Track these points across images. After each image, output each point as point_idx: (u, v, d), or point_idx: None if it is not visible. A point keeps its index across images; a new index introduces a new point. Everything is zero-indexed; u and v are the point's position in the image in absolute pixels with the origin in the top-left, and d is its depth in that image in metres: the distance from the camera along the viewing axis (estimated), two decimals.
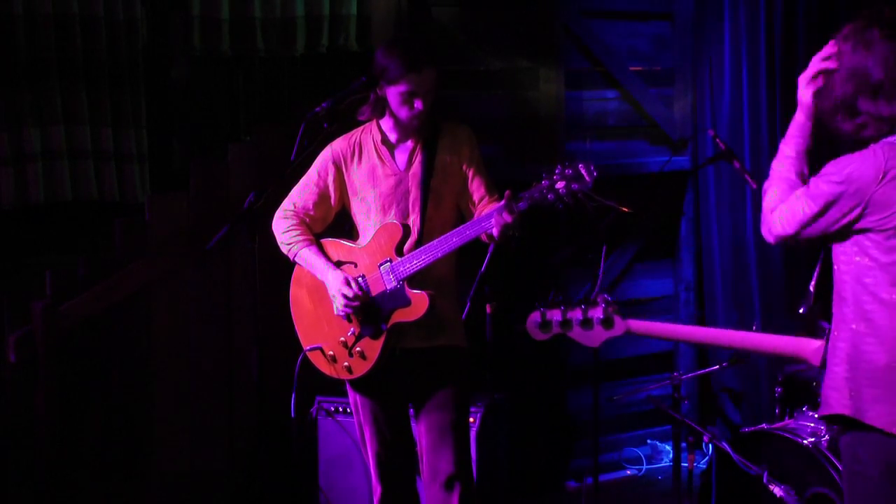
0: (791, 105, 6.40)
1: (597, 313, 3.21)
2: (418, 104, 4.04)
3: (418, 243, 4.07)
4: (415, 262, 4.02)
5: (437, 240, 4.01)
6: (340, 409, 5.10)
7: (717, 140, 5.43)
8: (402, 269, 4.03)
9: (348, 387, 4.26)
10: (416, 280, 4.04)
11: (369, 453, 4.24)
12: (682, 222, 6.54)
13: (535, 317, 3.28)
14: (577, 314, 3.22)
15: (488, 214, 3.92)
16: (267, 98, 5.85)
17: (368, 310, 4.08)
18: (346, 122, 4.27)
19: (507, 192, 3.90)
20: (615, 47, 6.29)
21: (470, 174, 4.17)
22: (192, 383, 5.32)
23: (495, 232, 3.90)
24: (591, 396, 4.93)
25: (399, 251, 4.05)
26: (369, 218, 4.16)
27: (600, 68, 6.25)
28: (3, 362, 4.97)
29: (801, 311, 4.07)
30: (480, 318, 4.85)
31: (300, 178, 4.26)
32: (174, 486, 5.28)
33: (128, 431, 5.22)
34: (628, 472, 6.25)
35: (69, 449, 5.06)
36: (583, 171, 3.83)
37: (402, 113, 4.07)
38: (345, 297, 4.05)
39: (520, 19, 6.01)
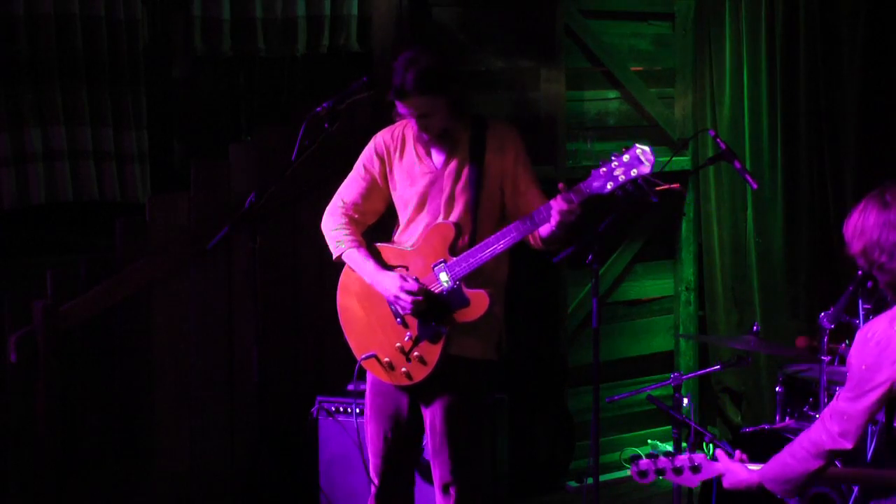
0: (791, 104, 6.40)
1: (698, 458, 3.37)
2: (418, 122, 4.00)
3: (471, 243, 3.98)
4: (471, 259, 3.92)
5: (493, 235, 3.91)
6: (341, 409, 5.09)
7: (717, 140, 5.41)
8: (458, 268, 3.94)
9: (369, 384, 4.21)
10: (472, 281, 3.95)
11: (369, 449, 4.23)
12: (681, 222, 6.54)
13: (643, 466, 3.39)
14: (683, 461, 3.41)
15: (546, 207, 3.82)
16: (268, 98, 5.84)
17: (426, 312, 3.97)
18: (346, 123, 4.27)
19: (560, 185, 3.81)
20: (616, 47, 6.29)
21: (518, 174, 4.06)
22: (192, 383, 5.31)
23: (554, 222, 3.79)
24: (591, 396, 4.92)
25: (453, 251, 3.97)
26: (406, 213, 4.11)
27: (601, 68, 6.26)
28: (3, 362, 4.97)
29: (868, 284, 4.04)
30: None
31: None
32: (174, 486, 5.28)
33: (128, 431, 5.21)
34: (628, 472, 6.24)
35: (69, 449, 5.06)
36: (641, 156, 3.68)
37: (413, 122, 4.05)
38: (408, 292, 3.92)
39: (520, 19, 6.00)
